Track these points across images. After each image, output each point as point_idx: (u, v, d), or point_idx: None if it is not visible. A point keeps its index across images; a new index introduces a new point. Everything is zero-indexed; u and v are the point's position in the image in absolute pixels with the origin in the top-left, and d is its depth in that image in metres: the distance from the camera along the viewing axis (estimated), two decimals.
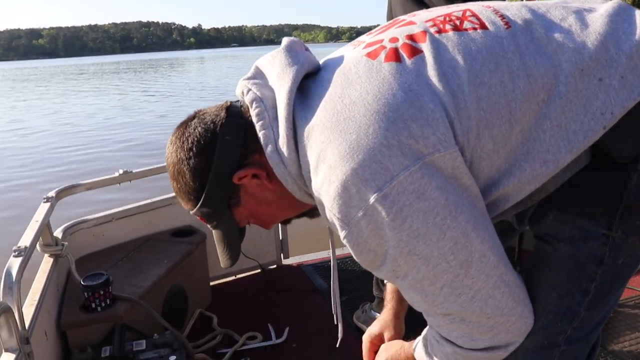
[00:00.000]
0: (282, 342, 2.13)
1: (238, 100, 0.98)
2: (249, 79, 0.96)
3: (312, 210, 1.03)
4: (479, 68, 0.82)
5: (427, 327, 1.02)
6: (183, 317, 2.20)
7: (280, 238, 2.77)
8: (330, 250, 1.17)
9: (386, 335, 1.31)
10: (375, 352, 1.27)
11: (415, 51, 0.86)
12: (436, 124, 0.79)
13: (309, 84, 0.92)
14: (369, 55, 0.89)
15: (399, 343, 1.19)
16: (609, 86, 0.81)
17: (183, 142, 0.94)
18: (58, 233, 2.01)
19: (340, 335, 1.25)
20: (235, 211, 0.99)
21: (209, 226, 1.03)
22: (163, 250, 2.22)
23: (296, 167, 0.88)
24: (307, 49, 1.00)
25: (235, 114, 0.94)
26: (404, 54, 0.86)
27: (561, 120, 0.81)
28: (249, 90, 0.93)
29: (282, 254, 2.81)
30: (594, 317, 0.94)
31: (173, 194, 2.51)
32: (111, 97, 19.54)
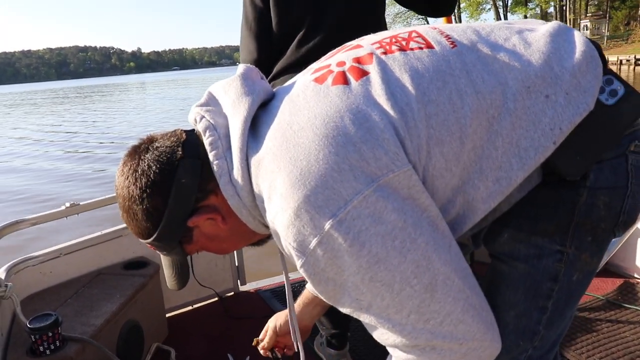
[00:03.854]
0: None
1: (193, 129, 0.95)
2: (201, 105, 0.94)
3: (261, 240, 1.03)
4: (427, 86, 0.83)
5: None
6: (139, 353, 2.11)
7: (236, 264, 2.72)
8: (284, 277, 1.15)
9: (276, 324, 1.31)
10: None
11: (362, 73, 0.86)
12: (387, 144, 0.78)
13: (260, 112, 0.91)
14: (316, 80, 0.88)
15: None
16: (556, 102, 0.83)
17: (136, 180, 0.90)
18: (1, 273, 1.90)
19: None
20: (187, 247, 0.97)
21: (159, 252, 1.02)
22: (115, 284, 2.13)
23: (251, 198, 0.87)
24: (262, 77, 0.99)
25: (191, 152, 0.91)
26: (351, 77, 0.86)
27: (512, 137, 0.83)
28: (202, 117, 0.91)
29: (238, 281, 2.76)
30: (552, 334, 0.95)
31: (124, 225, 2.42)
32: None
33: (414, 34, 0.92)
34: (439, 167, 0.83)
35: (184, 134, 0.94)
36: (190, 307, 2.60)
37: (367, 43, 0.93)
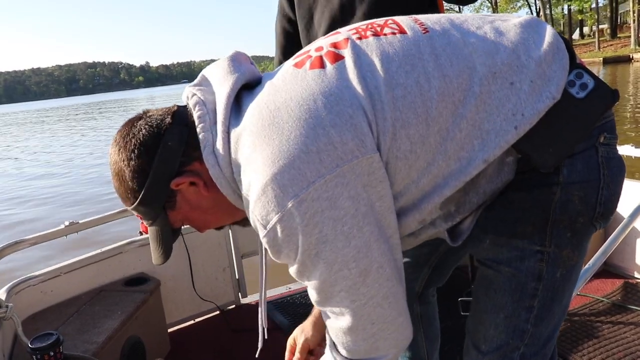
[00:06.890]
0: None
1: (186, 106, 1.00)
2: (194, 85, 0.99)
3: (245, 219, 1.04)
4: (395, 70, 0.86)
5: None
6: None
7: (237, 277, 2.74)
8: (260, 260, 1.15)
9: (299, 339, 1.33)
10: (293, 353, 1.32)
11: (337, 57, 0.90)
12: (354, 129, 0.82)
13: (245, 93, 0.95)
14: (296, 65, 0.93)
15: None
16: (520, 90, 0.86)
17: (127, 142, 0.96)
18: (2, 294, 1.93)
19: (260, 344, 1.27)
20: (170, 214, 1.01)
21: (144, 223, 1.04)
22: (116, 301, 2.15)
23: (230, 170, 0.91)
24: (252, 63, 1.03)
25: (180, 121, 0.96)
26: (327, 61, 0.90)
27: (475, 119, 0.86)
28: (194, 94, 0.96)
29: (239, 293, 2.77)
30: (542, 331, 0.98)
31: (123, 242, 2.46)
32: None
33: (389, 21, 0.97)
34: (404, 149, 0.86)
35: (176, 107, 0.99)
36: (191, 322, 2.61)
37: (345, 30, 0.98)
